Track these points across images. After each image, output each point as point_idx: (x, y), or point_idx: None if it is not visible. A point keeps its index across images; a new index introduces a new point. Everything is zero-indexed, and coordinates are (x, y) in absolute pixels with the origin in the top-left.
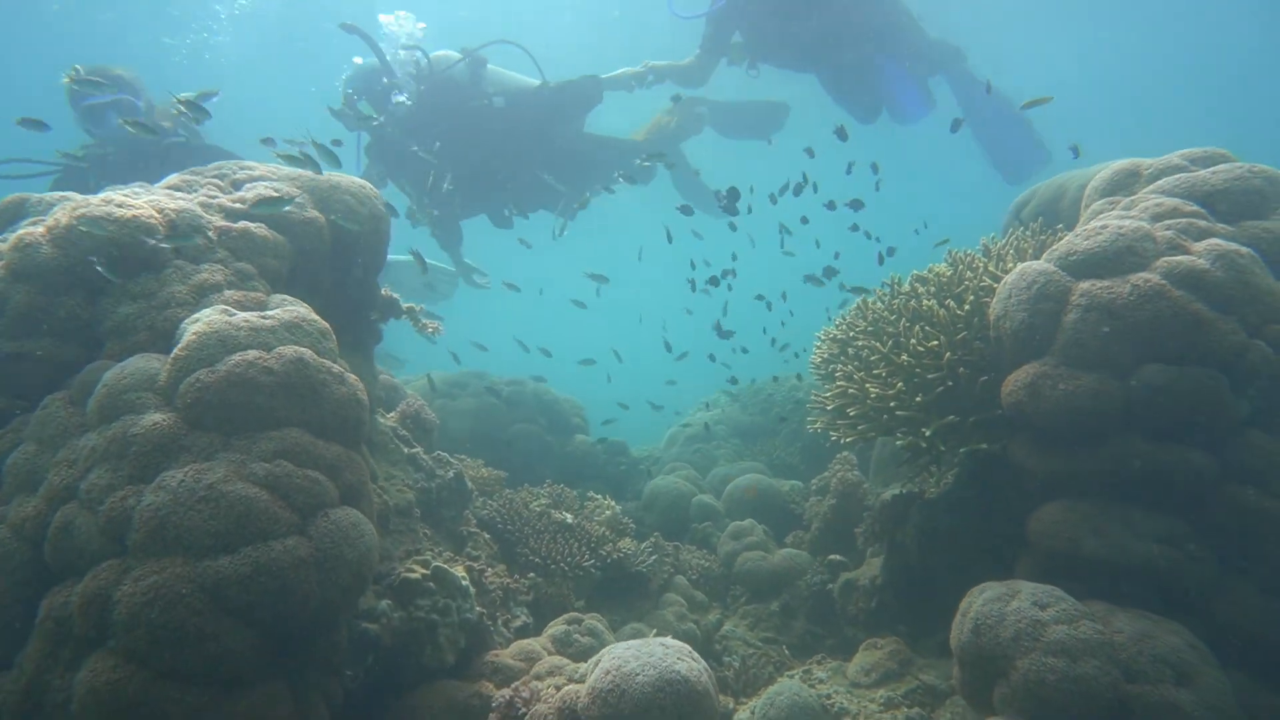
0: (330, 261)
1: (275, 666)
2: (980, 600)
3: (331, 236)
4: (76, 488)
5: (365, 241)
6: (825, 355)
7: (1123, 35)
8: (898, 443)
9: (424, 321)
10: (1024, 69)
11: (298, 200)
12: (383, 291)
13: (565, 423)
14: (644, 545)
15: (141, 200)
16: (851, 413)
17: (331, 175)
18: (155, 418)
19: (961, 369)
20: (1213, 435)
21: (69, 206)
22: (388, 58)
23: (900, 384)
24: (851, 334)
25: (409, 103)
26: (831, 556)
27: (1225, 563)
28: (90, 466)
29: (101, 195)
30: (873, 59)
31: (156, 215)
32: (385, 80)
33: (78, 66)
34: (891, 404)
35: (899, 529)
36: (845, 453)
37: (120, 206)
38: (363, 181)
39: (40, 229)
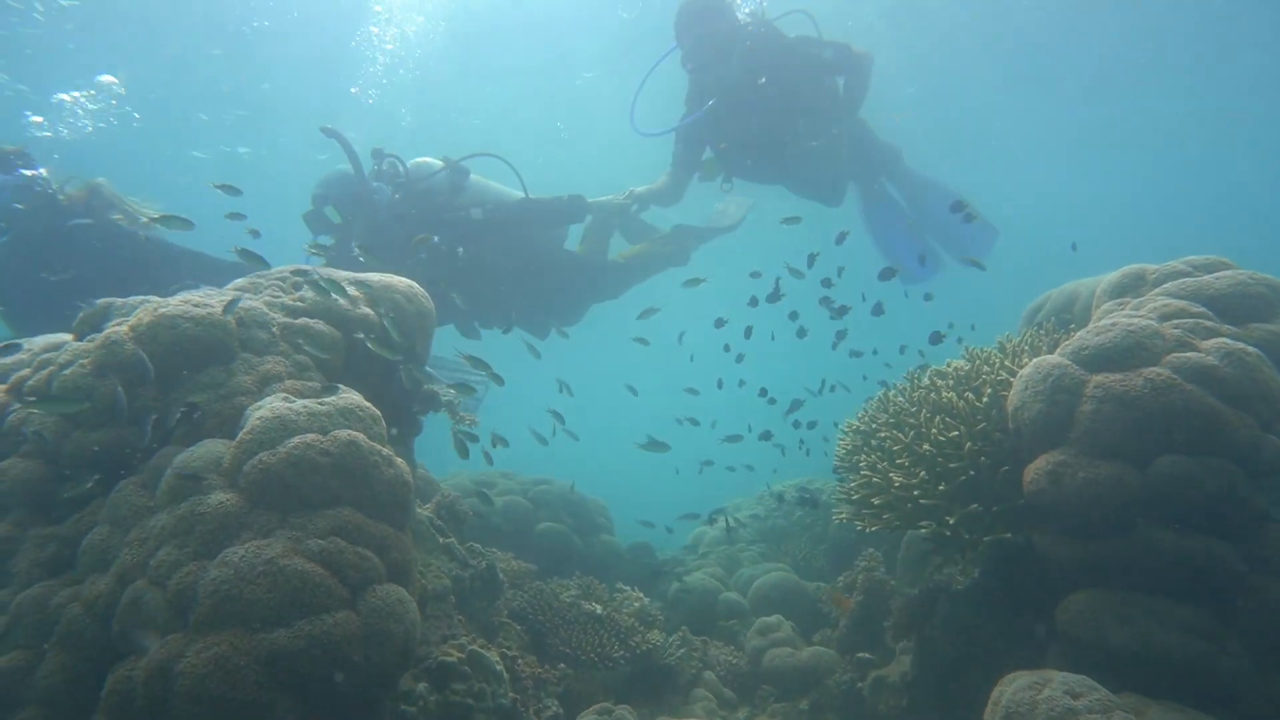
0: (379, 355)
1: None
2: (1012, 689)
3: (381, 332)
4: (146, 565)
5: (413, 338)
6: (849, 447)
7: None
8: (921, 531)
9: (461, 415)
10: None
11: (354, 297)
12: (425, 387)
13: (591, 522)
14: (672, 639)
15: (214, 300)
16: (876, 502)
17: (385, 276)
18: (220, 497)
19: (983, 458)
20: (1235, 527)
21: (150, 307)
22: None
23: (923, 473)
24: (873, 426)
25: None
26: (860, 654)
27: (1257, 656)
28: (160, 544)
29: (179, 297)
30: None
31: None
32: (362, 178)
33: None
34: (915, 492)
35: (927, 623)
36: (871, 550)
37: (196, 306)
38: (411, 282)
39: (124, 327)
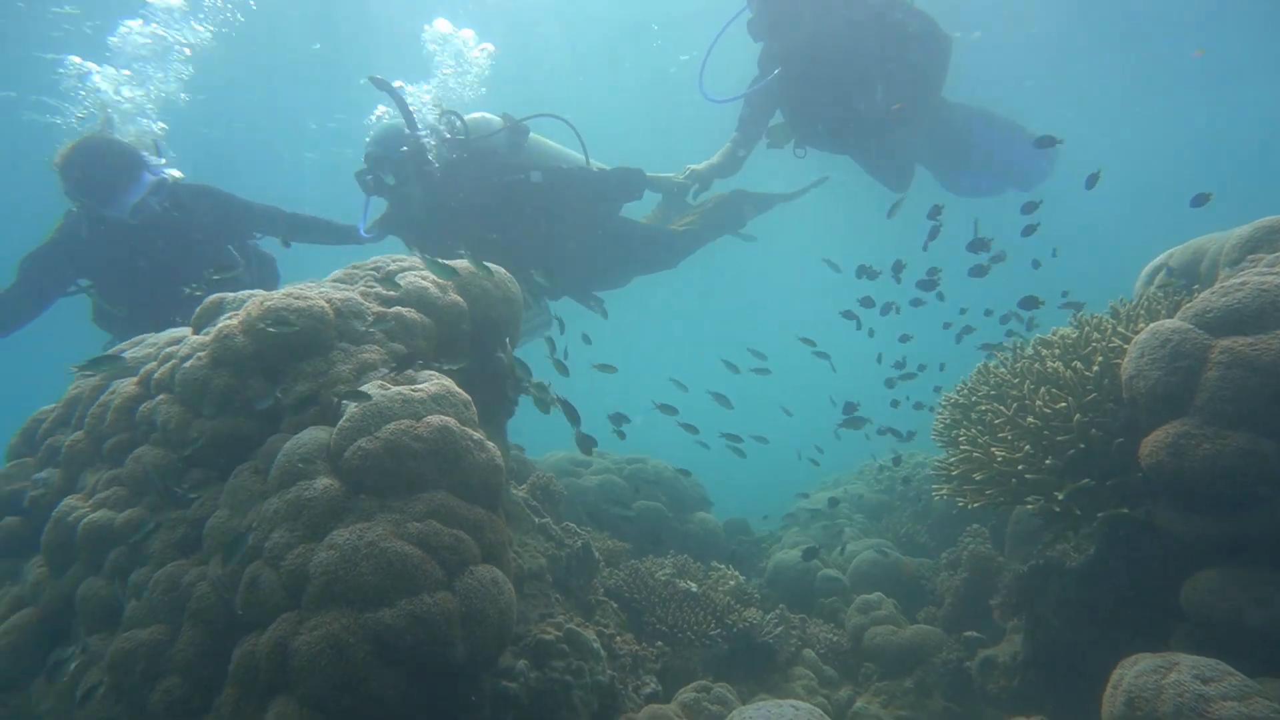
0: (470, 340)
1: (427, 716)
2: (1134, 672)
3: (472, 318)
4: (261, 547)
5: (501, 323)
6: (947, 420)
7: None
8: (1028, 508)
9: (547, 398)
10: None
11: (443, 285)
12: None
13: (685, 499)
14: (770, 616)
15: (314, 293)
16: (978, 477)
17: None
18: (325, 482)
19: (1093, 431)
20: None
21: (256, 301)
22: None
23: (1028, 446)
24: (973, 399)
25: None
26: (967, 633)
27: None
28: (273, 527)
29: (282, 290)
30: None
31: (327, 305)
32: (408, 135)
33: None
34: (1019, 467)
35: (1039, 601)
36: (976, 526)
37: (298, 299)
38: (500, 268)
39: (235, 321)
